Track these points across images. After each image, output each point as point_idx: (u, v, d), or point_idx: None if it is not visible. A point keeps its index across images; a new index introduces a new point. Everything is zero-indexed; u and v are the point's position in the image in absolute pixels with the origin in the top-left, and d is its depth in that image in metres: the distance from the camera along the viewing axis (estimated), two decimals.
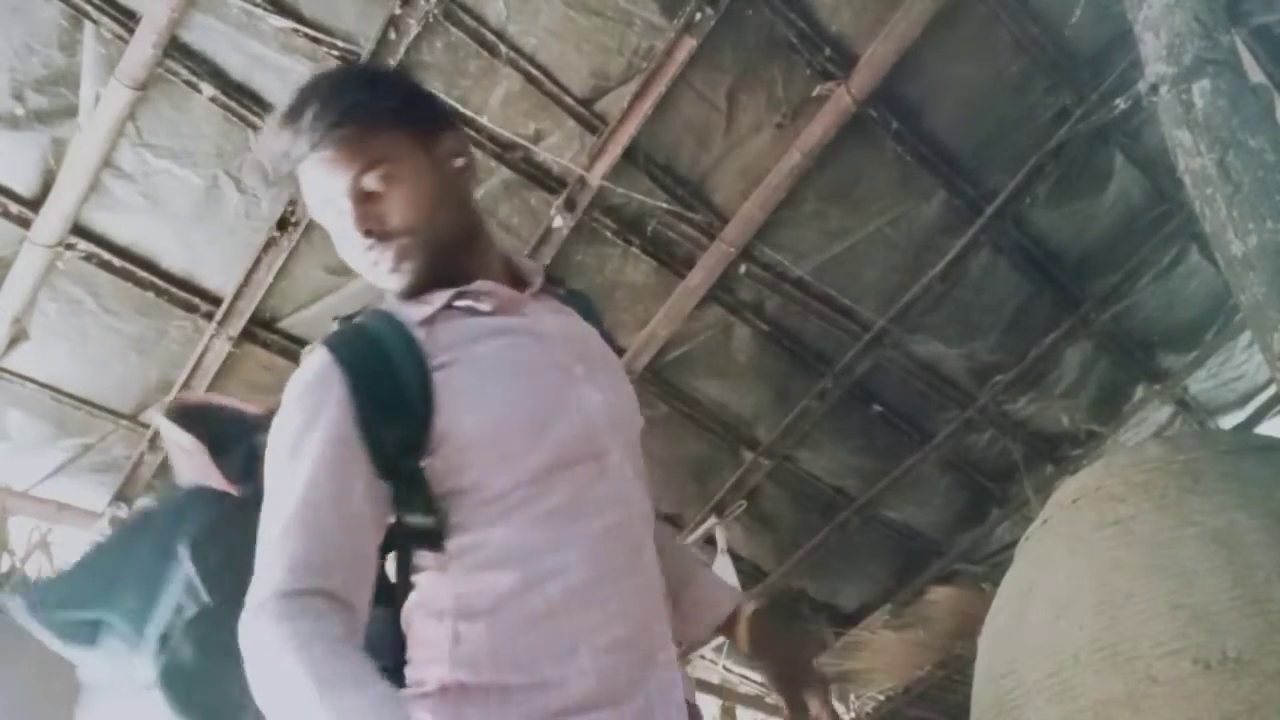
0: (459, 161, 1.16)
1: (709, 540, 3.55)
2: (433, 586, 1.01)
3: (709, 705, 4.21)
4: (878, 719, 4.09)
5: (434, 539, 1.01)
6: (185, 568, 1.04)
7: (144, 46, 2.20)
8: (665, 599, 1.08)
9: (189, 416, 1.22)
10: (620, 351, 1.29)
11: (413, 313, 1.07)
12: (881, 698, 4.13)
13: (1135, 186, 3.11)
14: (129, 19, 2.20)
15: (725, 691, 4.23)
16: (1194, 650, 1.24)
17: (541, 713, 0.95)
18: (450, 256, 1.11)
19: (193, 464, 1.17)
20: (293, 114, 1.09)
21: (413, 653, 1.00)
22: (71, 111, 2.29)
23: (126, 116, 2.30)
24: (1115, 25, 2.41)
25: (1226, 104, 1.54)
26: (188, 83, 2.31)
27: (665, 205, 2.76)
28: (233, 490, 1.13)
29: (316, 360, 1.05)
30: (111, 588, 1.11)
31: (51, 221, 2.39)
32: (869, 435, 3.51)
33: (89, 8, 2.17)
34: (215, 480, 1.14)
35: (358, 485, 0.98)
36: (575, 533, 1.01)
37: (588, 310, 1.24)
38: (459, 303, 1.09)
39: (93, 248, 2.48)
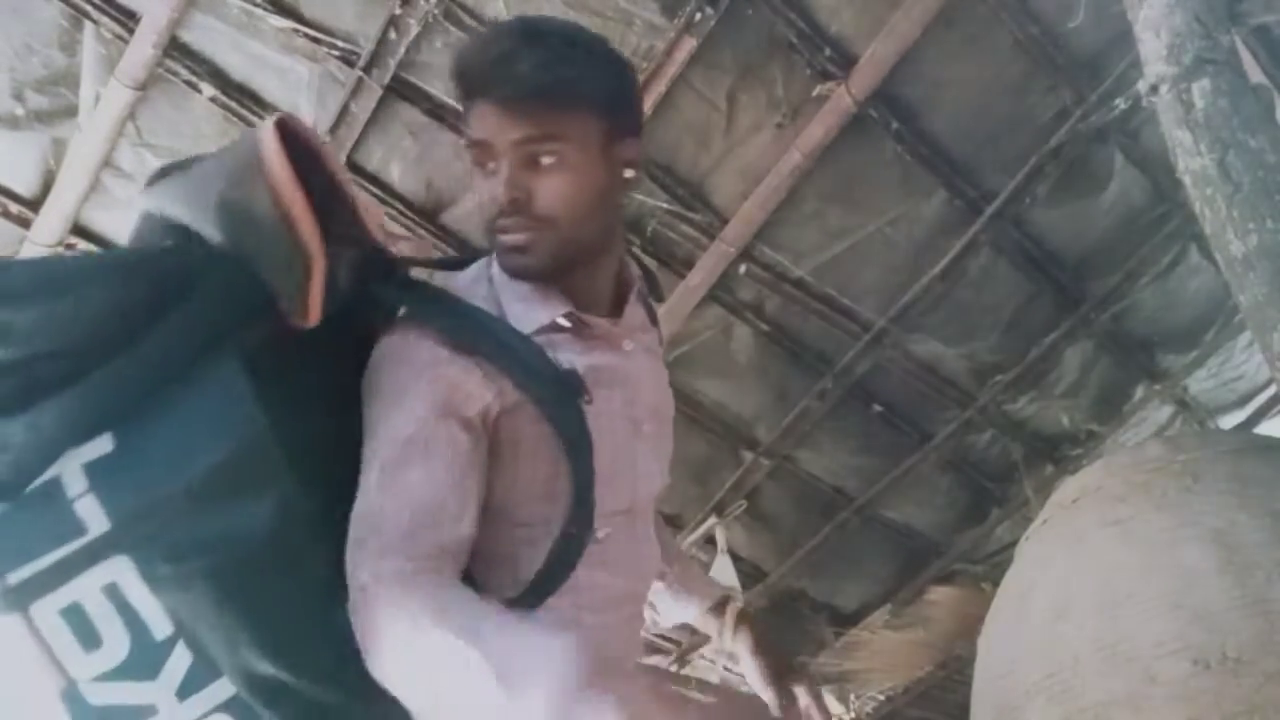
0: (630, 171, 1.11)
1: (709, 540, 3.55)
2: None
3: None
4: (878, 719, 4.09)
5: None
6: (242, 400, 0.85)
7: (144, 46, 2.20)
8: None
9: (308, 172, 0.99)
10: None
11: (521, 313, 1.04)
12: (881, 698, 4.13)
13: (1135, 186, 3.11)
14: (129, 19, 2.20)
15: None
16: (1194, 650, 1.24)
17: None
18: (576, 260, 1.06)
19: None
20: (503, 55, 1.01)
21: None
22: (71, 111, 2.29)
23: (126, 116, 2.30)
24: (1115, 25, 2.41)
25: (1226, 104, 1.54)
26: (188, 83, 2.31)
27: (665, 205, 2.76)
28: (307, 321, 0.96)
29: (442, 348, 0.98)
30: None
31: (51, 221, 2.39)
32: (869, 435, 3.51)
33: (89, 8, 2.17)
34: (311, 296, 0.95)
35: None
36: (609, 581, 1.05)
37: (652, 310, 1.23)
38: (564, 323, 1.06)
39: (93, 248, 2.48)
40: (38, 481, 0.81)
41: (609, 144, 1.06)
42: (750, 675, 1.20)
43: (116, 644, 0.80)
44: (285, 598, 0.84)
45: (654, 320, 1.21)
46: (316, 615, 0.84)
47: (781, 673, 1.18)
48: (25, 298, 0.84)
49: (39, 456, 0.82)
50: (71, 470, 0.82)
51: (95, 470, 0.81)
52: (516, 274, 1.05)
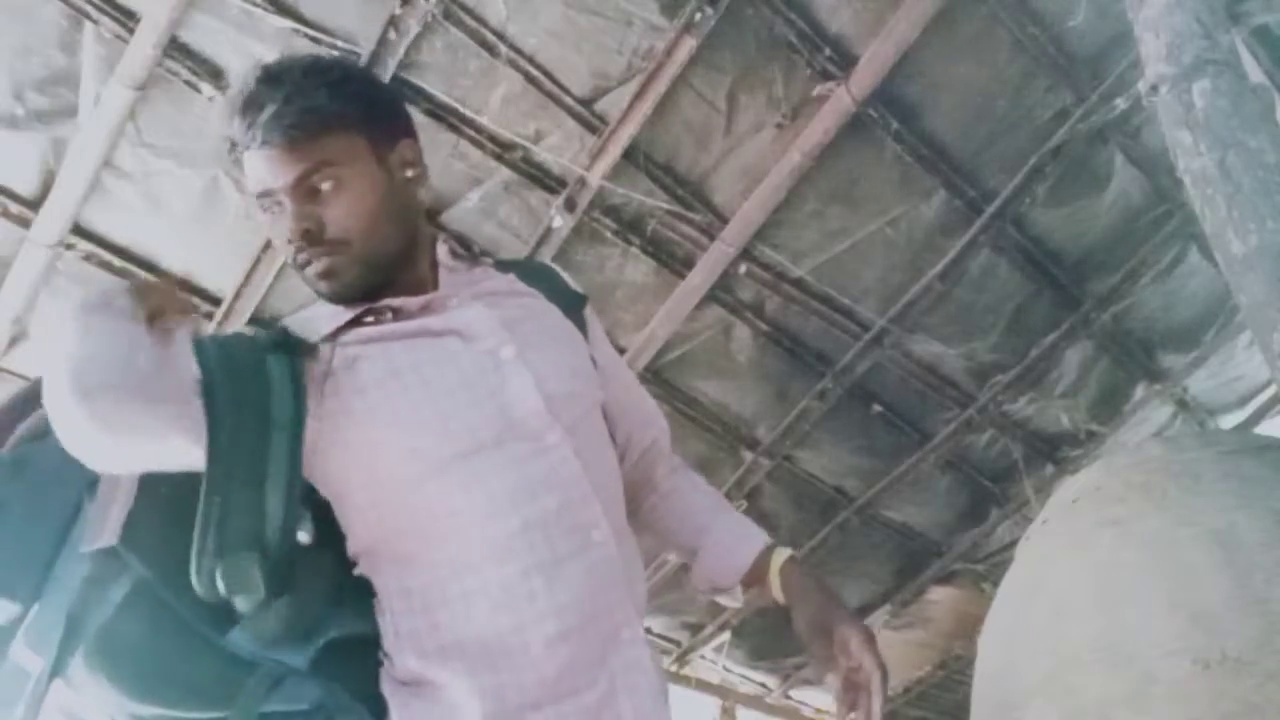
0: (411, 172, 1.14)
1: None
2: (377, 580, 1.02)
3: (709, 705, 4.22)
4: None
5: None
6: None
7: (144, 46, 2.20)
8: (631, 572, 1.05)
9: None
10: (578, 298, 1.25)
11: (323, 325, 1.07)
12: None
13: (1135, 186, 3.11)
14: (129, 19, 2.20)
15: (725, 691, 4.23)
16: (1194, 650, 1.24)
17: (494, 708, 0.94)
18: (384, 268, 1.09)
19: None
20: (250, 104, 1.06)
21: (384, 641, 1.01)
22: (71, 111, 2.29)
23: (126, 116, 2.30)
24: (1115, 25, 2.41)
25: (1226, 104, 1.54)
26: (188, 83, 2.31)
27: (665, 205, 2.76)
28: None
29: None
30: None
31: (51, 221, 2.39)
32: (869, 435, 3.51)
33: (89, 8, 2.17)
34: None
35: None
36: (504, 523, 0.99)
37: (552, 283, 1.22)
38: (368, 319, 1.08)
39: (93, 248, 2.48)
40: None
41: (380, 153, 1.11)
42: (798, 627, 1.15)
43: None
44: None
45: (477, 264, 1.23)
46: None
47: (833, 624, 1.12)
48: None
49: None
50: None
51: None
52: (334, 299, 1.08)
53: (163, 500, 0.95)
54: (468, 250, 1.23)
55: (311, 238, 1.05)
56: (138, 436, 0.90)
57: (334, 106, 1.07)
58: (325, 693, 0.94)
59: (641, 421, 1.29)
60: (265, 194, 1.07)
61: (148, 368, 0.90)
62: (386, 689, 0.98)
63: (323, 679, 0.95)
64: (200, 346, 0.98)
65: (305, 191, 1.06)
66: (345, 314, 1.08)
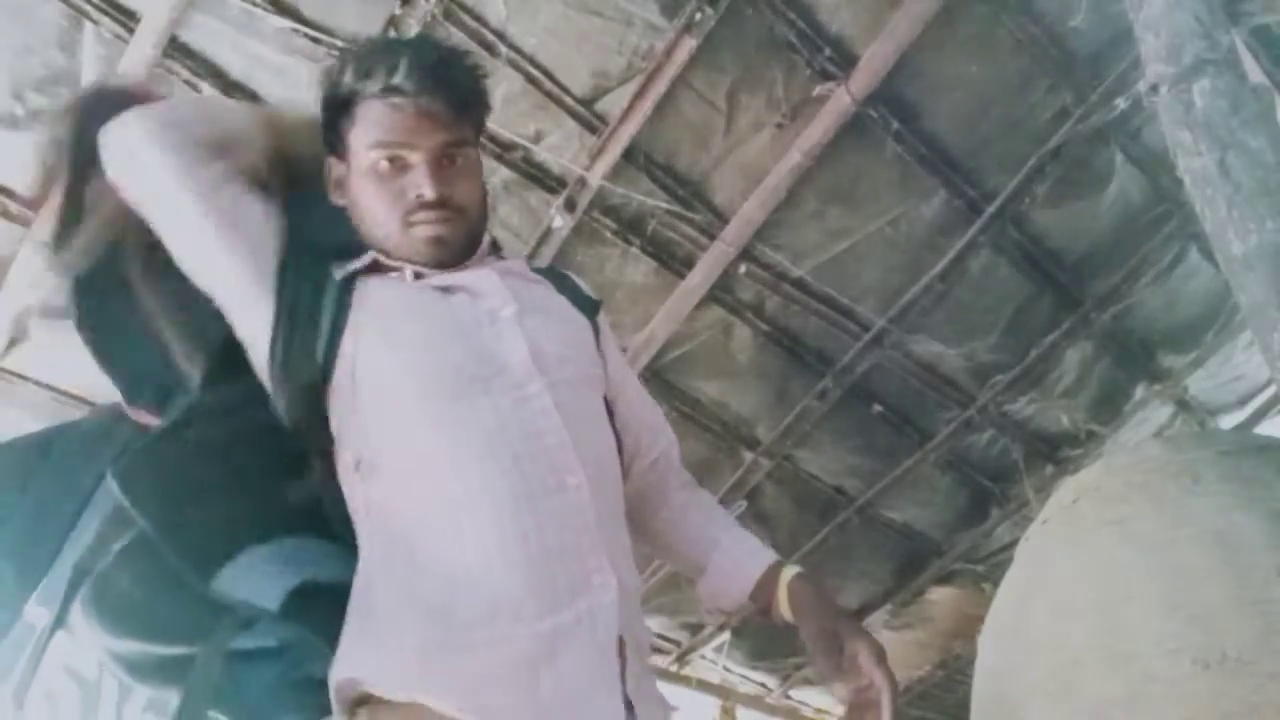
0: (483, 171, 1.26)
1: None
2: (349, 489, 1.06)
3: (709, 705, 4.22)
4: None
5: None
6: (115, 498, 0.99)
7: (144, 46, 2.20)
8: (611, 533, 1.06)
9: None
10: (592, 304, 1.31)
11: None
12: None
13: (1135, 186, 3.11)
14: (129, 19, 2.20)
15: (725, 691, 4.23)
16: (1194, 650, 1.24)
17: (454, 602, 0.96)
18: (473, 244, 1.18)
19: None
20: (421, 55, 1.14)
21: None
22: None
23: None
24: (1115, 25, 2.41)
25: (1226, 104, 1.54)
26: (188, 83, 2.31)
27: (665, 205, 2.76)
28: (150, 421, 1.11)
29: None
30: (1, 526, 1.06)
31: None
32: (869, 435, 3.51)
33: (89, 8, 2.17)
34: (131, 411, 1.13)
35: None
36: (479, 456, 1.02)
37: (564, 282, 1.28)
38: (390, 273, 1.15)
39: None
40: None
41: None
42: (806, 641, 1.15)
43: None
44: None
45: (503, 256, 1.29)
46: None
47: (844, 638, 1.12)
48: None
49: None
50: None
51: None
52: (431, 260, 1.14)
53: (170, 468, 1.02)
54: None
55: (445, 203, 1.13)
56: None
57: (483, 97, 1.20)
58: (294, 634, 0.98)
59: (651, 431, 1.32)
60: (398, 147, 1.12)
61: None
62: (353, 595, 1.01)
63: (294, 622, 0.99)
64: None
65: (445, 159, 1.14)
66: (367, 259, 1.15)
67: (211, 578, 0.97)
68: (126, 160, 1.08)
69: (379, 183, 1.13)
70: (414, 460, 1.04)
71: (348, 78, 1.14)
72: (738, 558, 1.23)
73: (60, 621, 0.98)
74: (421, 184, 1.11)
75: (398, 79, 1.10)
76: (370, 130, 1.13)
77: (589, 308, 1.27)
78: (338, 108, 1.16)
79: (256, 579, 0.98)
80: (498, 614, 0.96)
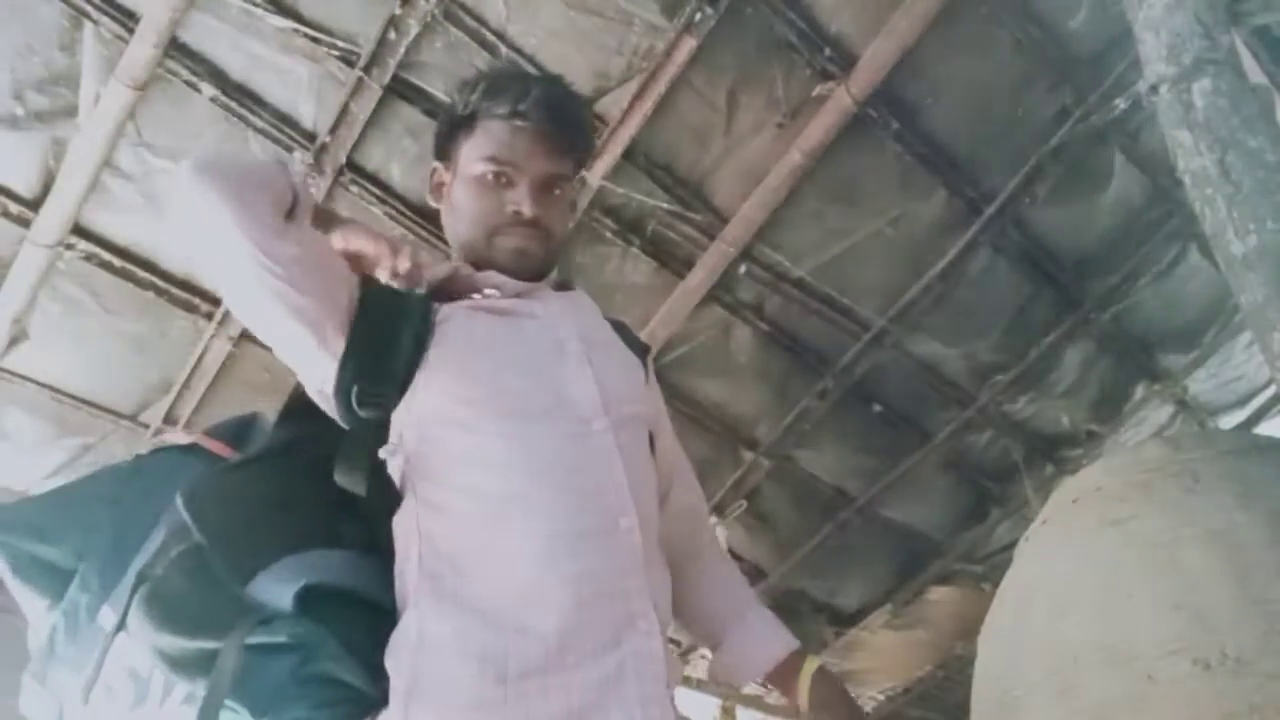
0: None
1: None
2: (417, 516, 1.08)
3: (709, 705, 4.21)
4: (878, 719, 4.09)
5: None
6: (179, 514, 1.07)
7: (144, 46, 2.20)
8: (654, 574, 1.08)
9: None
10: (643, 347, 1.38)
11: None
12: (881, 698, 4.13)
13: (1135, 186, 3.11)
14: (129, 19, 2.20)
15: (725, 691, 4.23)
16: (1194, 650, 1.24)
17: (492, 672, 0.97)
18: (549, 266, 1.29)
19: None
20: (554, 93, 1.28)
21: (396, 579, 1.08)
22: (71, 111, 2.29)
23: (126, 116, 2.30)
24: (1115, 25, 2.41)
25: (1226, 104, 1.54)
26: (188, 83, 2.31)
27: (665, 205, 2.76)
28: (226, 454, 1.20)
29: None
30: (88, 529, 1.12)
31: (51, 221, 2.39)
32: (869, 435, 3.51)
33: (89, 8, 2.17)
34: (209, 445, 1.21)
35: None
36: (537, 485, 1.05)
37: (618, 326, 1.36)
38: (476, 297, 1.23)
39: (93, 248, 2.48)
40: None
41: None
42: None
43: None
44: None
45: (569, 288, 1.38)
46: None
47: None
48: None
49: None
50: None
51: None
52: (517, 273, 1.24)
53: (230, 491, 1.11)
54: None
55: (537, 223, 1.24)
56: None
57: (591, 143, 1.42)
58: (306, 631, 1.01)
59: (683, 479, 1.39)
60: (508, 165, 1.24)
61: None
62: (397, 641, 1.02)
63: (307, 620, 1.02)
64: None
65: (546, 186, 1.26)
66: (455, 268, 1.25)
67: (247, 582, 1.03)
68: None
69: (481, 191, 1.24)
70: (471, 485, 1.07)
71: (476, 95, 1.26)
72: (761, 636, 1.28)
73: (123, 623, 1.05)
74: (521, 201, 1.23)
75: (525, 105, 1.24)
76: (487, 145, 1.25)
77: (639, 349, 1.35)
78: (459, 119, 1.28)
79: (280, 582, 1.03)
80: (549, 663, 0.97)
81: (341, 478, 1.08)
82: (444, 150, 1.31)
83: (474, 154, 1.25)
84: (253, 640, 1.00)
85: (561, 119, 1.26)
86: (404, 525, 1.09)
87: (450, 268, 1.24)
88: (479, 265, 1.25)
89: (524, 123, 1.24)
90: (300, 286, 1.06)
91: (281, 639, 1.01)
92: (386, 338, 1.11)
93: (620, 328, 1.35)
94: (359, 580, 1.06)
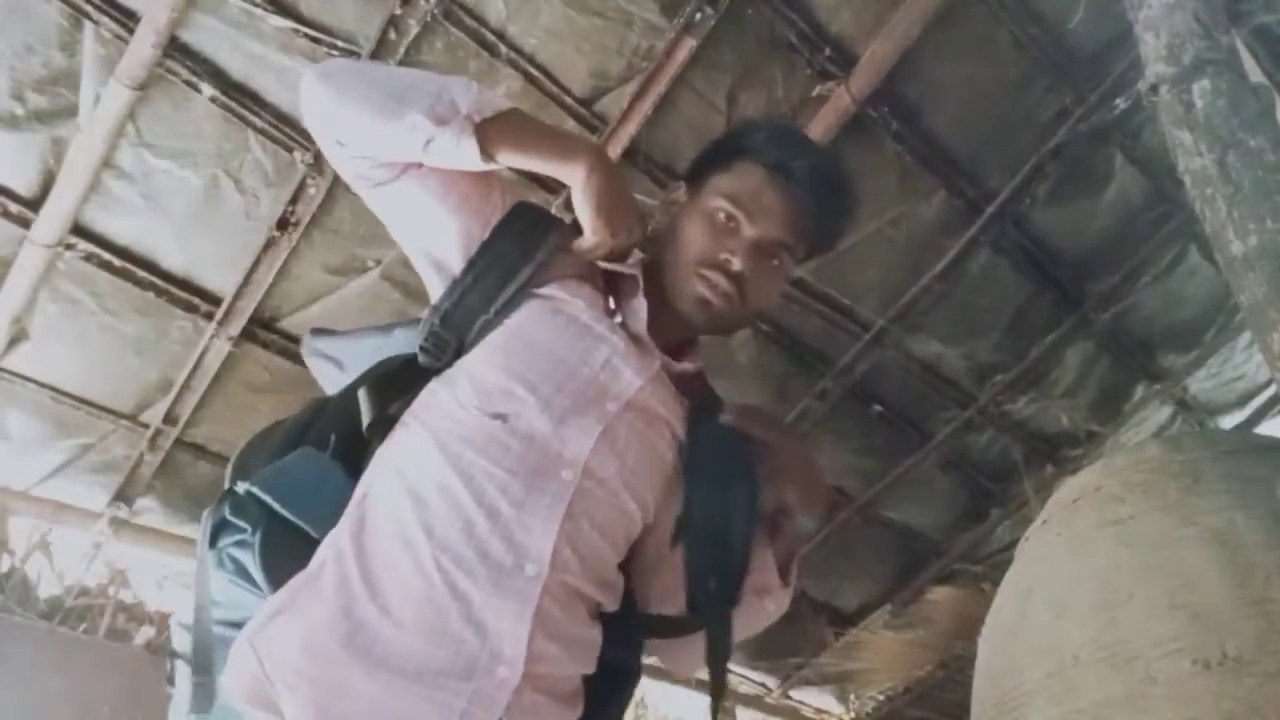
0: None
1: None
2: (375, 460, 1.13)
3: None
4: (878, 719, 4.09)
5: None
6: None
7: (144, 46, 2.20)
8: (559, 629, 1.05)
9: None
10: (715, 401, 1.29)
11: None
12: (881, 698, 4.13)
13: (1135, 186, 3.11)
14: (129, 19, 2.20)
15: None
16: (1194, 650, 1.24)
17: (362, 642, 0.99)
18: (724, 331, 1.27)
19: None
20: (845, 183, 1.24)
21: None
22: (71, 111, 2.29)
23: (126, 116, 2.30)
24: (1115, 25, 2.41)
25: (1226, 104, 1.54)
26: (188, 83, 2.31)
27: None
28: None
29: None
30: None
31: (51, 221, 2.39)
32: (869, 435, 3.51)
33: (89, 8, 2.17)
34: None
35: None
36: (478, 500, 1.05)
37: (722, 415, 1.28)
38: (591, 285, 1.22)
39: (93, 248, 2.48)
40: None
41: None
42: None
43: None
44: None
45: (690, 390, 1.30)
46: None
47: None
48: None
49: None
50: None
51: None
52: (689, 316, 1.20)
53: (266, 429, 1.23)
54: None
55: (739, 282, 1.18)
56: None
57: (840, 234, 1.29)
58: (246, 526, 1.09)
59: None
60: (744, 210, 1.19)
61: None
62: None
63: (257, 514, 1.09)
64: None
65: (768, 252, 1.19)
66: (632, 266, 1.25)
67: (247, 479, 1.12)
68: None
69: (707, 225, 1.20)
70: (423, 465, 1.08)
71: (753, 138, 1.23)
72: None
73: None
74: (737, 252, 1.17)
75: (794, 165, 1.18)
76: (736, 185, 1.20)
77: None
78: (724, 152, 1.24)
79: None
80: (391, 656, 0.98)
81: (363, 396, 1.14)
82: (694, 173, 1.28)
83: (719, 188, 1.22)
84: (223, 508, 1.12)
85: (821, 195, 1.19)
86: (367, 474, 1.12)
87: (633, 268, 1.23)
88: (666, 300, 1.21)
89: (783, 179, 1.19)
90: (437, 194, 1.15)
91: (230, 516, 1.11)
92: (514, 257, 1.15)
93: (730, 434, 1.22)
94: (306, 508, 1.09)
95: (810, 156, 1.20)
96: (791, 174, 1.18)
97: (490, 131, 1.10)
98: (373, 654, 0.98)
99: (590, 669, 1.10)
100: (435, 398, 1.13)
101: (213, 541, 1.12)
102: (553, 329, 1.14)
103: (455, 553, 1.02)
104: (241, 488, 1.11)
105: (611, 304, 1.23)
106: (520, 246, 1.17)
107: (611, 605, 1.14)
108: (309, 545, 1.07)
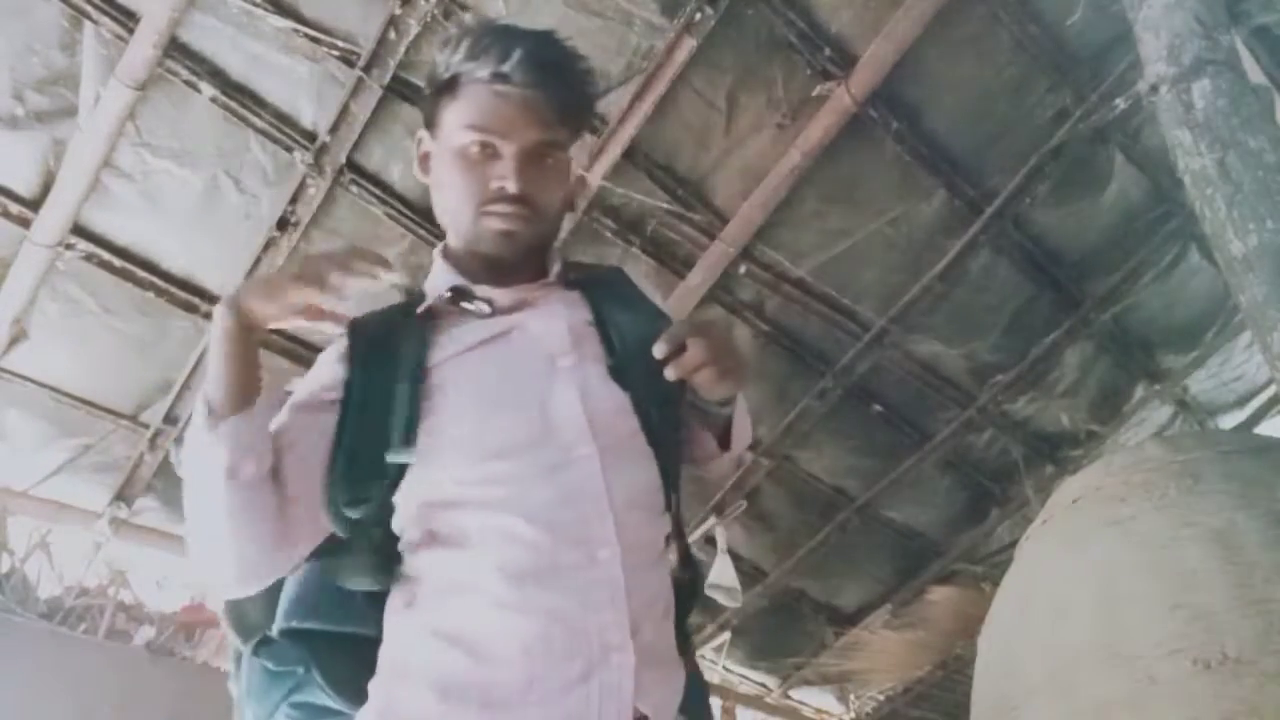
0: (574, 176, 1.24)
1: (709, 540, 3.55)
2: (417, 554, 1.06)
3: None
4: (878, 719, 4.09)
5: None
6: None
7: (144, 46, 2.20)
8: (643, 596, 1.03)
9: None
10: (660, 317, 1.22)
11: (433, 288, 1.16)
12: (881, 698, 4.13)
13: (1135, 186, 3.11)
14: (129, 19, 2.20)
15: (725, 691, 4.23)
16: (1194, 650, 1.24)
17: (465, 693, 0.97)
18: (539, 248, 1.18)
19: None
20: (535, 48, 1.12)
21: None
22: (71, 111, 2.29)
23: (126, 116, 2.30)
24: (1115, 25, 2.41)
25: (1226, 104, 1.54)
26: (188, 83, 2.31)
27: (665, 205, 2.76)
28: None
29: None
30: None
31: (51, 221, 2.39)
32: (869, 435, 3.51)
33: (89, 8, 2.17)
34: None
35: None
36: (517, 524, 1.01)
37: (617, 284, 1.25)
38: (464, 303, 1.14)
39: (93, 248, 2.48)
40: None
41: (573, 151, 1.22)
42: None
43: None
44: None
45: (575, 281, 1.25)
46: None
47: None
48: None
49: None
50: None
51: None
52: (498, 253, 1.14)
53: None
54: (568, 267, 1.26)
55: (525, 200, 1.12)
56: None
57: (591, 104, 1.20)
58: (294, 661, 1.08)
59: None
60: (489, 133, 1.11)
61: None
62: (378, 667, 1.03)
63: (297, 649, 1.07)
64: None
65: (534, 157, 1.12)
66: (446, 289, 1.15)
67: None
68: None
69: (466, 166, 1.13)
70: (453, 523, 1.04)
71: (458, 56, 1.13)
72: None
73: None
74: (506, 176, 1.11)
75: (508, 67, 1.10)
76: (468, 112, 1.12)
77: (631, 291, 1.24)
78: (442, 83, 1.15)
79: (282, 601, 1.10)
80: (513, 696, 0.96)
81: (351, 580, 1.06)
82: (429, 117, 1.18)
83: (455, 122, 1.13)
84: (261, 660, 1.09)
85: (551, 79, 1.11)
86: (413, 555, 1.07)
87: (434, 293, 1.14)
88: (467, 248, 1.16)
89: (508, 86, 1.10)
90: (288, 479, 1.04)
91: (276, 667, 1.08)
92: (381, 399, 1.07)
93: (623, 288, 1.24)
94: (344, 614, 1.07)
95: (516, 46, 1.12)
96: (510, 74, 1.10)
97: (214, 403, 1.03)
98: (491, 702, 0.96)
99: (669, 617, 1.10)
100: (424, 488, 1.07)
101: (262, 697, 1.09)
102: (473, 376, 1.10)
103: (529, 572, 1.00)
104: (276, 630, 1.08)
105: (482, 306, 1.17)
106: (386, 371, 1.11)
107: (667, 524, 1.14)
108: (367, 647, 1.05)
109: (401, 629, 1.03)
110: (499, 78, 1.10)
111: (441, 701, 0.96)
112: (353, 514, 1.04)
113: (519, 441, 1.05)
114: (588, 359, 1.12)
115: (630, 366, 1.13)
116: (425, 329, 1.13)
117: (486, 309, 1.14)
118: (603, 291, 1.22)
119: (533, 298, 1.17)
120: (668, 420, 1.14)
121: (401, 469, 1.04)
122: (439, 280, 1.17)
